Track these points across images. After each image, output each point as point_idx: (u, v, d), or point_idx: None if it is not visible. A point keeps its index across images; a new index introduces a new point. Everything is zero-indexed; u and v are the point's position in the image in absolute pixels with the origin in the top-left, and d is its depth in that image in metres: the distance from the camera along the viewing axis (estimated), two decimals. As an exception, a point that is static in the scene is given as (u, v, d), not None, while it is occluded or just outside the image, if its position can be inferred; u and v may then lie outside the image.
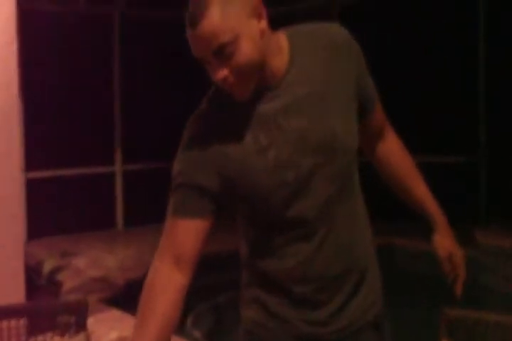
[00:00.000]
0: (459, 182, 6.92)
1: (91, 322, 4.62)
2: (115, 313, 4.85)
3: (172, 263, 1.46)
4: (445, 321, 1.56)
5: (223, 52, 1.39)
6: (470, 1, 6.75)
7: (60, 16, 7.22)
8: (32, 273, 4.56)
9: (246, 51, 1.40)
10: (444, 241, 1.75)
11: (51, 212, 7.62)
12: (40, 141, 7.41)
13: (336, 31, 1.57)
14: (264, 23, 1.44)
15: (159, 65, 7.92)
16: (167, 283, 1.46)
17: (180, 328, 4.67)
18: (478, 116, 6.78)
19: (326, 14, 7.37)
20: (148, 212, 8.01)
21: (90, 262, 6.57)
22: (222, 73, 1.41)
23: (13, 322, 1.70)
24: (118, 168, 8.16)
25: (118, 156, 8.09)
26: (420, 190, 1.76)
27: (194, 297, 5.61)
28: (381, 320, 1.62)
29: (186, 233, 1.46)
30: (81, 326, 1.72)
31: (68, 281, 5.59)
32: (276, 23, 1.53)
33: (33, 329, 1.71)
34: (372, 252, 1.63)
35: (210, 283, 3.54)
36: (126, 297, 5.14)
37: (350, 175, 1.55)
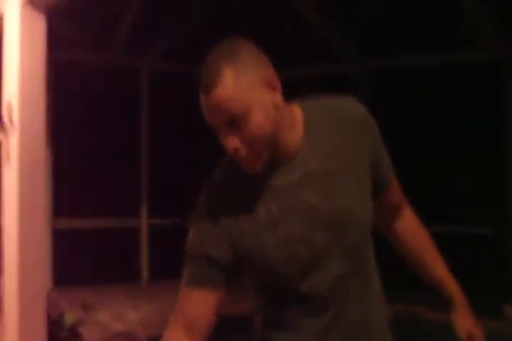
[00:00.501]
0: (487, 254, 6.77)
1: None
2: None
3: (184, 332, 1.49)
4: None
5: (235, 122, 1.38)
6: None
7: (92, 66, 7.30)
8: (53, 325, 4.40)
9: (258, 123, 1.39)
10: (463, 322, 1.74)
11: (76, 263, 7.54)
12: (69, 191, 7.41)
13: (351, 106, 1.56)
14: (278, 96, 1.43)
15: (187, 116, 7.95)
16: None
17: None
18: (505, 187, 6.67)
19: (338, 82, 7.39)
20: (173, 266, 7.90)
21: (113, 316, 6.41)
22: (234, 143, 1.41)
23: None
24: (144, 221, 8.14)
25: (144, 210, 8.09)
26: (439, 268, 1.74)
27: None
28: None
29: (198, 303, 1.49)
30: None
31: (90, 334, 5.43)
32: (285, 87, 1.49)
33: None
34: (386, 328, 1.59)
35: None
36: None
37: (364, 250, 1.53)
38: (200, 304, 1.48)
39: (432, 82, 7.07)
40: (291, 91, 1.62)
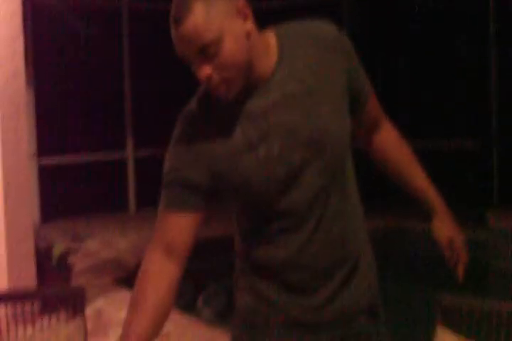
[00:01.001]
0: (473, 167, 6.90)
1: (101, 302, 4.75)
2: (125, 294, 4.92)
3: (164, 254, 1.50)
4: (440, 307, 1.56)
5: (207, 52, 1.40)
6: None
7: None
8: (42, 257, 4.62)
9: (230, 51, 1.41)
10: (443, 227, 1.76)
11: (64, 196, 7.72)
12: (53, 128, 7.51)
13: (325, 28, 1.58)
14: (250, 24, 1.45)
15: (168, 51, 7.94)
16: (159, 273, 1.50)
17: (191, 307, 4.74)
18: (491, 100, 6.75)
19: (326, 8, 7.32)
20: (159, 196, 8.09)
21: (102, 244, 6.65)
22: (206, 72, 1.42)
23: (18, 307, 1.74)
24: (129, 153, 8.28)
25: (130, 142, 8.22)
26: (419, 179, 1.76)
27: (205, 277, 5.63)
28: (377, 309, 1.63)
29: (177, 226, 1.50)
30: (79, 312, 1.75)
31: (79, 263, 5.67)
32: (271, 16, 1.51)
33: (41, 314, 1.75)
34: (366, 242, 1.64)
35: (221, 264, 3.58)
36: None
37: (342, 169, 1.56)
38: (178, 227, 1.49)
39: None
40: (278, 20, 1.63)
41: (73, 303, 1.74)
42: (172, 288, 1.50)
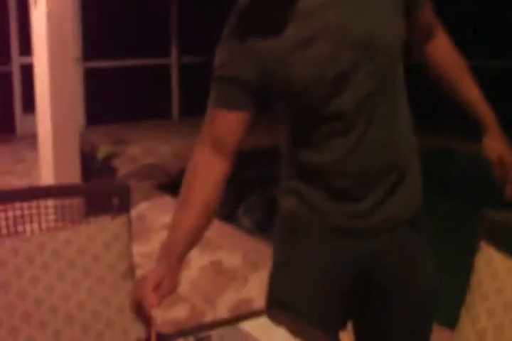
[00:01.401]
0: None
1: (144, 207, 4.88)
2: (168, 199, 5.03)
3: (212, 150, 1.50)
4: (485, 223, 1.55)
5: None
6: None
7: None
8: (87, 159, 4.71)
9: None
10: (494, 145, 1.74)
11: (109, 102, 7.77)
12: (99, 33, 7.46)
13: None
14: None
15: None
16: (207, 168, 1.51)
17: (232, 217, 4.83)
18: None
19: None
20: (203, 103, 8.10)
21: (145, 150, 6.74)
22: None
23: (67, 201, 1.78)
24: (174, 59, 8.22)
25: (174, 48, 8.15)
26: (472, 92, 1.72)
27: (247, 187, 5.68)
28: (419, 220, 1.63)
29: (226, 123, 1.50)
30: (124, 208, 1.80)
31: (123, 167, 5.77)
32: None
33: (88, 210, 1.79)
34: (413, 154, 1.63)
35: (263, 175, 3.59)
36: (180, 184, 5.28)
37: (392, 72, 1.53)
38: (228, 124, 1.49)
39: None
40: None
41: (119, 199, 1.76)
42: (219, 184, 1.51)
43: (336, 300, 1.61)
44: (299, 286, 1.60)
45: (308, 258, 1.60)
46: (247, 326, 1.47)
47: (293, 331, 1.44)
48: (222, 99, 1.50)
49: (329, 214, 1.56)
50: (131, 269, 1.73)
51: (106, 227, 1.71)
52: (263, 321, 1.50)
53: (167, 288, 1.40)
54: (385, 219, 1.56)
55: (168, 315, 3.15)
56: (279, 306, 1.59)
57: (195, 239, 1.50)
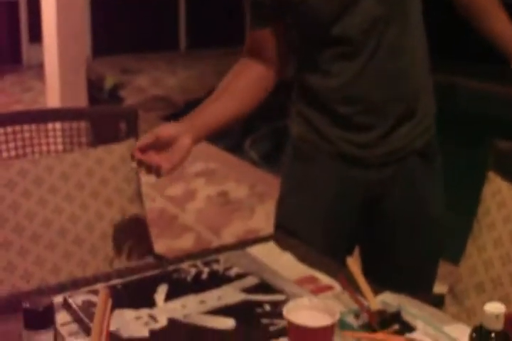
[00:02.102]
0: None
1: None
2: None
3: (251, 57, 1.55)
4: (494, 152, 1.53)
5: None
6: None
7: None
8: (94, 89, 4.68)
9: None
10: None
11: (115, 33, 7.66)
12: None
13: None
14: None
15: None
16: (245, 65, 1.56)
17: (238, 149, 4.83)
18: None
19: None
20: (211, 35, 7.98)
21: (151, 81, 6.68)
22: None
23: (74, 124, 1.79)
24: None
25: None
26: (502, 23, 1.67)
27: (253, 119, 5.67)
28: (431, 152, 1.62)
29: (263, 41, 1.54)
30: (132, 133, 1.79)
31: (130, 98, 5.73)
32: None
33: (95, 134, 1.79)
34: (427, 83, 1.60)
35: (271, 107, 3.58)
36: (185, 116, 5.26)
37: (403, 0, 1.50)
38: (266, 41, 1.54)
39: None
40: None
41: (126, 124, 1.76)
42: (256, 82, 1.55)
43: (341, 227, 1.62)
44: (304, 212, 1.61)
45: (315, 184, 1.60)
46: (254, 250, 1.49)
47: (299, 256, 1.46)
48: (251, 21, 1.54)
49: (336, 141, 1.55)
50: (139, 194, 1.74)
51: (113, 151, 1.71)
52: (270, 246, 1.52)
53: (179, 149, 1.37)
54: (391, 151, 1.55)
55: (174, 245, 3.20)
56: (285, 232, 1.61)
57: (222, 118, 1.51)
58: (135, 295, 1.30)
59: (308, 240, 1.56)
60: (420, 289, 1.56)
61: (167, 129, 1.39)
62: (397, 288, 1.31)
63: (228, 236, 3.34)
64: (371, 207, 1.61)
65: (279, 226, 1.65)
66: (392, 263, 1.66)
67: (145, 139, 1.36)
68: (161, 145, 1.36)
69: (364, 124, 1.53)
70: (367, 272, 1.40)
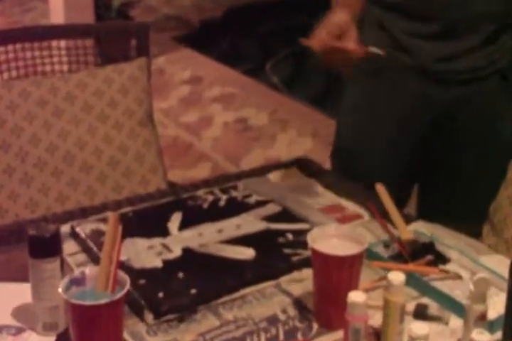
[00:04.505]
0: None
1: (163, 60, 4.81)
2: (188, 52, 4.94)
3: None
4: None
5: None
6: None
7: None
8: (101, 8, 4.59)
9: None
10: None
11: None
12: None
13: None
14: None
15: None
16: None
17: (258, 72, 4.76)
18: None
19: None
20: None
21: (164, 3, 6.55)
22: None
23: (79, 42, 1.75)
24: None
25: None
26: None
27: (275, 40, 5.55)
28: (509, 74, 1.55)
29: None
30: (143, 51, 1.75)
31: (140, 18, 5.63)
32: None
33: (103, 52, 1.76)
34: None
35: (293, 27, 3.48)
36: (201, 37, 5.19)
37: None
38: None
39: None
40: None
41: (137, 41, 1.72)
42: None
43: (403, 154, 1.60)
44: (367, 131, 1.61)
45: (382, 100, 1.58)
46: (276, 177, 1.48)
47: (324, 183, 1.45)
48: None
49: (412, 51, 1.51)
50: (150, 117, 1.72)
51: (123, 70, 1.68)
52: (293, 172, 1.50)
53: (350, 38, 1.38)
54: (474, 68, 1.51)
55: (188, 174, 3.20)
56: (343, 153, 1.63)
57: None
58: (147, 223, 1.30)
59: (365, 163, 1.58)
60: (476, 221, 1.52)
61: (340, 17, 1.41)
62: (453, 219, 1.32)
63: (247, 166, 3.32)
64: (438, 131, 1.58)
65: (337, 147, 1.67)
66: (453, 198, 1.64)
67: (325, 28, 1.38)
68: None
69: (450, 34, 1.48)
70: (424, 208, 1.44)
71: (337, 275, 1.00)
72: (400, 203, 1.42)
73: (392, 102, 1.57)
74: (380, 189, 1.32)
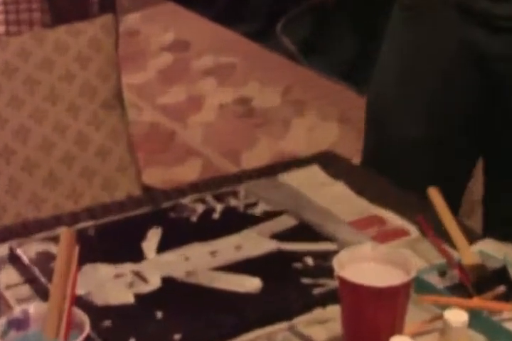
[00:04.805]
0: None
1: (136, 19, 4.83)
2: (171, 6, 4.96)
3: None
4: None
5: None
6: None
7: None
8: None
9: None
10: None
11: None
12: None
13: None
14: None
15: None
16: None
17: (266, 34, 4.79)
18: None
19: None
20: None
21: None
22: None
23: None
24: None
25: None
26: None
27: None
28: None
29: None
30: (107, 7, 1.79)
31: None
32: None
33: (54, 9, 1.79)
34: None
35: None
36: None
37: None
38: None
39: None
40: None
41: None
42: None
43: (456, 121, 1.68)
44: (404, 97, 1.70)
45: (423, 49, 1.68)
46: (290, 178, 1.48)
47: (357, 186, 1.45)
48: None
49: None
50: (118, 97, 1.75)
51: (81, 32, 1.70)
52: (313, 171, 1.51)
53: None
54: None
55: (170, 175, 3.21)
56: (377, 125, 1.72)
57: None
58: (114, 243, 1.30)
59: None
60: None
61: None
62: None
63: (250, 164, 3.34)
64: (493, 94, 1.65)
65: (369, 119, 1.76)
66: None
67: None
68: None
69: None
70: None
71: (374, 313, 1.00)
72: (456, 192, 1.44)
73: (435, 52, 1.67)
74: (433, 192, 1.32)
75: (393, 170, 1.60)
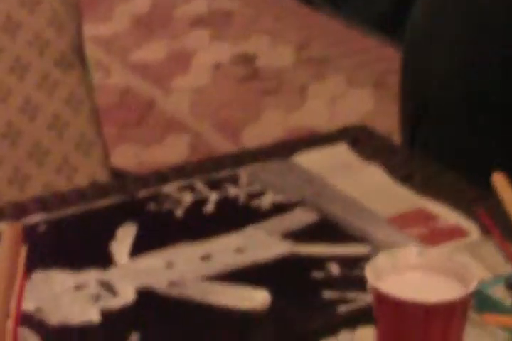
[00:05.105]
0: None
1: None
2: None
3: None
4: None
5: None
6: None
7: None
8: None
9: None
10: None
11: None
12: None
13: None
14: None
15: None
16: None
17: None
18: None
19: None
20: None
21: None
22: None
23: None
24: None
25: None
26: None
27: None
28: None
29: None
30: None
31: None
32: None
33: None
34: None
35: None
36: None
37: None
38: None
39: None
40: None
41: None
42: None
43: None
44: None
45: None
46: (307, 160, 1.50)
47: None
48: None
49: None
50: (79, 52, 1.77)
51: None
52: (339, 151, 1.53)
53: None
54: None
55: (149, 156, 3.22)
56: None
57: None
58: (73, 243, 1.30)
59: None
60: None
61: None
62: None
63: (254, 141, 3.35)
64: None
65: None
66: None
67: None
68: None
69: None
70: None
71: (421, 338, 1.00)
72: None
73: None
74: (500, 180, 1.32)
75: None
